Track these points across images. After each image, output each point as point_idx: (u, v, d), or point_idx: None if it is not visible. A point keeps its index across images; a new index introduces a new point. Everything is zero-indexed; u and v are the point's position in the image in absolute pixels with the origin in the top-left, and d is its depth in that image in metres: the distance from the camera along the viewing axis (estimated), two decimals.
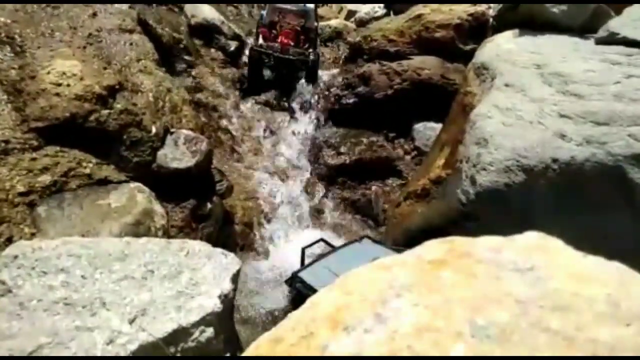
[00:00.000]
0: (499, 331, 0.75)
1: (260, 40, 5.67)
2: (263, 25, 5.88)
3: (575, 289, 0.86)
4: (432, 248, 0.96)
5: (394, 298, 0.81)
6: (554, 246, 0.98)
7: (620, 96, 2.85)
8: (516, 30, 3.81)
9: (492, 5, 5.03)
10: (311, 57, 5.54)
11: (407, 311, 0.78)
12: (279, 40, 5.67)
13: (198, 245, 1.80)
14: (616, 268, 0.95)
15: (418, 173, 4.17)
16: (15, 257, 1.53)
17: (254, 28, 6.20)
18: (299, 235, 4.14)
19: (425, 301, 0.80)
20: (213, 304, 1.56)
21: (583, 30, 3.70)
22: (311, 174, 4.77)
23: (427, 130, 4.82)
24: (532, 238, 1.00)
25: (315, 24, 6.14)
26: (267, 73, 5.54)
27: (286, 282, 2.97)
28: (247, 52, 5.69)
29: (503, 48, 3.59)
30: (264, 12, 6.01)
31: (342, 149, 4.83)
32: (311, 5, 6.26)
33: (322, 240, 3.39)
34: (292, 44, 5.70)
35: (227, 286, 1.67)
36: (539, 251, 0.95)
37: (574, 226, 2.59)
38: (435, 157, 3.79)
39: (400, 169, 4.73)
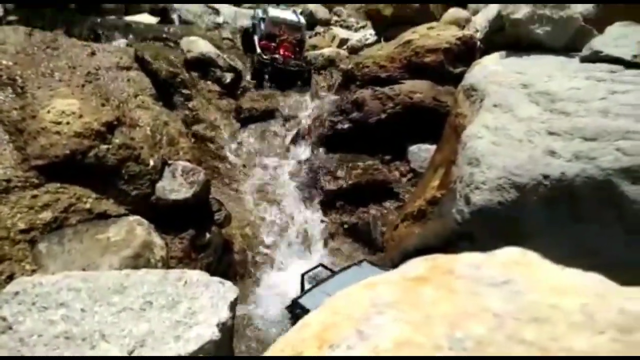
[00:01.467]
0: (475, 343, 0.78)
1: (258, 50, 6.42)
2: (261, 37, 6.41)
3: (551, 301, 0.89)
4: (415, 266, 1.00)
5: (376, 315, 0.85)
6: (533, 260, 1.02)
7: (606, 112, 2.91)
8: (503, 52, 3.91)
9: (478, 28, 5.17)
10: (305, 68, 6.43)
11: (388, 327, 0.82)
12: (280, 53, 6.37)
13: (196, 275, 1.83)
14: (593, 279, 0.99)
15: (414, 194, 4.20)
16: (16, 293, 1.57)
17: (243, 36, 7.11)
18: (299, 261, 4.15)
19: (406, 317, 0.84)
20: (211, 333, 1.58)
21: (567, 49, 3.80)
22: (309, 199, 4.81)
23: (421, 152, 4.88)
24: (511, 253, 1.03)
25: (305, 37, 7.10)
26: (268, 79, 6.29)
27: (287, 308, 2.98)
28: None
29: (490, 70, 3.69)
30: (257, 22, 6.60)
31: (339, 174, 4.88)
32: (303, 21, 7.17)
33: (321, 265, 3.40)
34: (292, 56, 6.46)
35: (225, 314, 1.68)
36: (517, 266, 0.98)
37: (568, 241, 2.62)
38: (430, 178, 3.84)
39: (397, 191, 4.76)
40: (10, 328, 1.44)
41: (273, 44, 6.44)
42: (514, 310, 0.86)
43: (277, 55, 6.30)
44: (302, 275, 3.16)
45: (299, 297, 2.87)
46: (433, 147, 4.42)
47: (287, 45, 6.46)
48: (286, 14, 7.11)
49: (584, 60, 3.53)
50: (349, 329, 0.85)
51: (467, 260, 0.99)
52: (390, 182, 4.86)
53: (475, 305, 0.86)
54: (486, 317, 0.84)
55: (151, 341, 1.48)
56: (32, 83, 3.24)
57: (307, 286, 3.06)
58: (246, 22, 8.55)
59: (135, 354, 1.43)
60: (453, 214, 3.02)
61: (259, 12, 7.04)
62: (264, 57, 6.23)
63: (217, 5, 9.84)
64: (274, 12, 6.95)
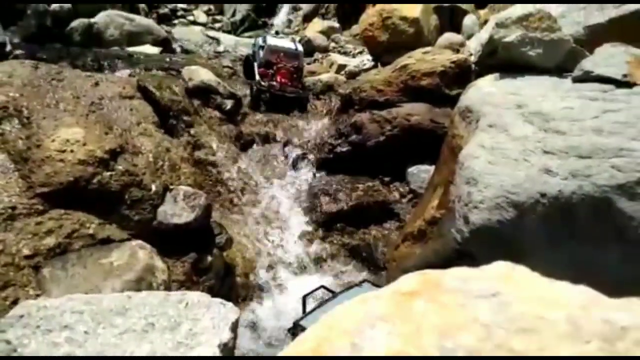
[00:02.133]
0: (465, 353, 0.82)
1: (257, 77, 6.58)
2: (260, 64, 6.75)
3: (539, 312, 0.92)
4: (407, 281, 1.04)
5: (369, 328, 0.88)
6: (521, 273, 1.06)
7: (600, 130, 2.97)
8: (496, 74, 4.00)
9: (472, 52, 5.29)
10: (303, 94, 6.61)
11: (381, 339, 0.85)
12: (277, 80, 6.52)
13: (197, 297, 1.85)
14: (580, 291, 1.02)
15: (414, 215, 4.23)
16: (21, 316, 1.59)
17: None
18: (300, 283, 4.15)
19: (398, 329, 0.87)
20: (212, 353, 1.60)
21: (560, 70, 3.89)
22: (310, 221, 4.84)
23: (420, 173, 4.93)
24: (500, 267, 1.07)
25: (303, 64, 7.26)
26: (265, 105, 6.46)
27: (288, 330, 2.98)
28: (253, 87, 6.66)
29: (485, 91, 3.77)
30: (256, 50, 6.75)
31: (339, 196, 4.93)
32: (301, 48, 7.32)
33: (322, 287, 3.41)
34: (289, 83, 6.59)
35: (226, 335, 1.70)
36: (505, 279, 1.02)
37: (567, 259, 2.64)
38: (429, 198, 3.88)
39: (397, 212, 4.79)
40: (15, 351, 1.46)
41: (271, 71, 6.60)
42: (502, 321, 0.89)
43: (274, 83, 6.45)
44: (304, 297, 3.17)
45: (301, 318, 2.87)
46: (431, 168, 4.47)
47: (284, 72, 6.62)
48: (284, 42, 7.30)
49: (576, 80, 3.61)
50: (343, 342, 0.88)
51: (456, 274, 1.03)
52: (390, 203, 4.90)
53: (464, 317, 0.90)
54: (475, 328, 0.87)
55: None
56: (37, 114, 3.34)
57: (308, 308, 3.06)
58: (245, 51, 8.76)
59: None
60: (452, 233, 3.05)
61: (259, 40, 7.21)
62: (262, 84, 6.39)
63: (217, 35, 10.09)
64: (273, 40, 7.12)
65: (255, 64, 6.82)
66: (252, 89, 6.50)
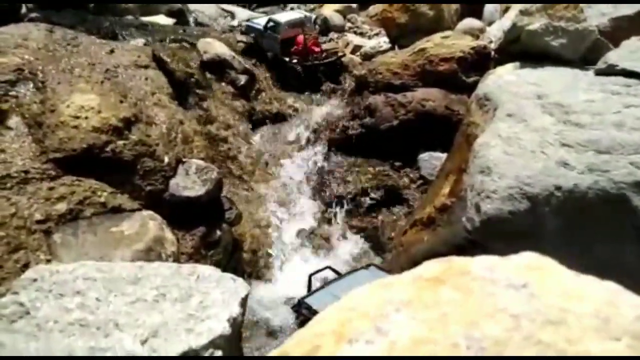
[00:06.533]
0: (493, 343, 0.79)
1: (286, 58, 6.51)
2: (283, 44, 6.58)
3: (567, 305, 0.90)
4: (430, 267, 1.01)
5: (393, 313, 0.86)
6: (548, 265, 1.03)
7: (621, 125, 2.91)
8: (517, 63, 3.91)
9: (492, 39, 5.19)
10: (337, 59, 6.62)
11: (405, 324, 0.83)
12: (312, 50, 6.52)
13: (208, 270, 1.85)
14: (607, 287, 1.00)
15: (424, 201, 4.21)
16: (34, 280, 1.60)
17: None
18: (307, 262, 4.18)
19: (422, 315, 0.85)
20: (222, 327, 1.59)
21: (582, 62, 3.80)
22: (318, 202, 4.83)
23: (432, 160, 4.89)
24: (527, 258, 1.04)
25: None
26: (299, 80, 6.46)
27: (292, 307, 3.01)
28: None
29: (504, 80, 3.69)
30: (264, 32, 6.56)
31: (349, 178, 4.92)
32: (309, 14, 7.33)
33: (328, 267, 3.43)
34: (322, 49, 6.62)
35: (235, 310, 1.70)
36: (533, 270, 0.99)
37: (579, 252, 2.61)
38: (441, 185, 3.85)
39: (406, 197, 4.78)
40: (28, 313, 1.47)
41: (301, 46, 6.49)
42: (530, 312, 0.86)
43: (312, 54, 6.43)
44: (310, 276, 3.19)
45: (306, 297, 2.90)
46: (444, 155, 4.44)
47: (313, 40, 6.57)
48: (293, 14, 7.18)
49: (599, 73, 3.53)
50: (367, 325, 0.86)
51: (483, 263, 1.00)
52: (399, 188, 4.88)
53: (491, 306, 0.87)
54: (503, 318, 0.85)
55: (164, 332, 1.50)
56: (52, 78, 3.32)
57: (313, 287, 3.08)
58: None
59: (148, 344, 1.46)
60: (463, 221, 3.03)
61: (260, 21, 7.01)
62: (294, 62, 6.33)
63: (232, 8, 9.93)
64: (283, 17, 6.88)
65: (264, 43, 6.70)
66: (288, 69, 6.42)
